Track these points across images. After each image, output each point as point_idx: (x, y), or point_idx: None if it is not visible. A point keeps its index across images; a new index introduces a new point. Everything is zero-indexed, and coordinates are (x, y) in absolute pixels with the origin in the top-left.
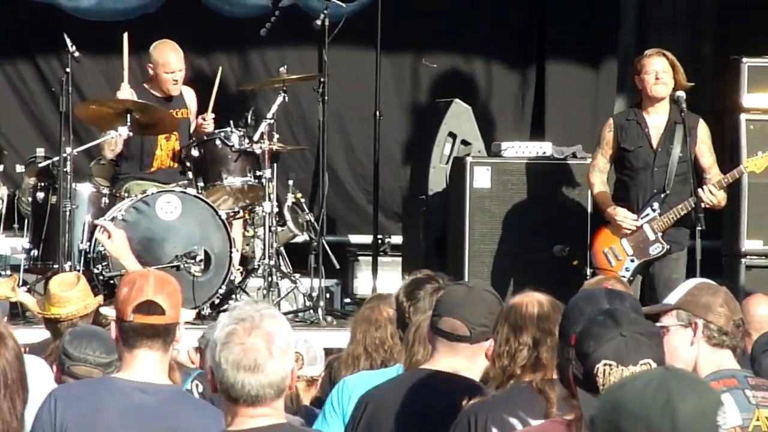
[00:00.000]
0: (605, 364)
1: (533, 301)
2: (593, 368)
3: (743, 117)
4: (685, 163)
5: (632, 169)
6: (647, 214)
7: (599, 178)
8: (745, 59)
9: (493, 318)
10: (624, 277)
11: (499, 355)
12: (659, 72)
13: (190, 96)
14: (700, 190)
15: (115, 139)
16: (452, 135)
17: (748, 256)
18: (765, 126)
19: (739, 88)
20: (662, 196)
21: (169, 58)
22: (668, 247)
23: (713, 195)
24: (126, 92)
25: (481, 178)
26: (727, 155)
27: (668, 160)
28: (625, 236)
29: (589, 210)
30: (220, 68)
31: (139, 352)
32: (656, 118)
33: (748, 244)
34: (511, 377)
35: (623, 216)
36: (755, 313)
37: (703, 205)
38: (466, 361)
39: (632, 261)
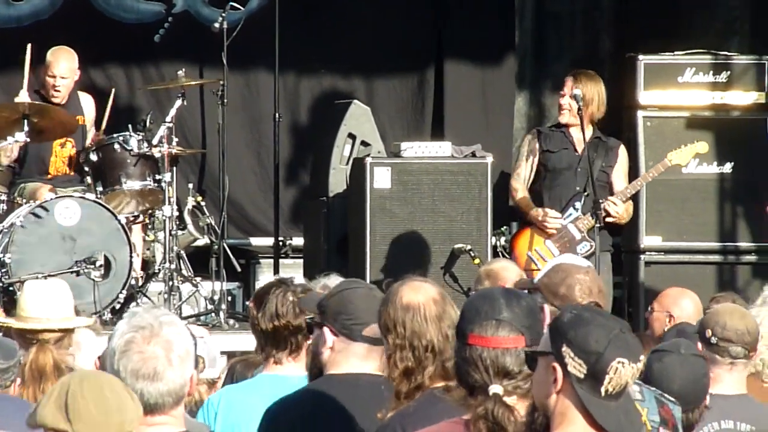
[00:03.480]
0: (619, 362)
1: (429, 300)
2: (607, 366)
3: (640, 114)
4: (604, 174)
5: (555, 170)
6: (570, 214)
7: (521, 184)
8: (641, 56)
9: None
10: None
11: (401, 359)
12: (565, 97)
13: (87, 103)
14: (606, 199)
15: (11, 146)
16: (352, 136)
17: (647, 252)
18: (662, 123)
19: (635, 86)
20: (584, 195)
21: (55, 61)
22: (594, 244)
23: (616, 206)
24: (23, 98)
25: (381, 178)
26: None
27: (590, 165)
28: (550, 237)
29: (489, 209)
30: (113, 90)
31: None
32: (578, 132)
33: (646, 241)
34: (420, 387)
35: (549, 216)
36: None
37: (607, 219)
38: (378, 363)
39: None
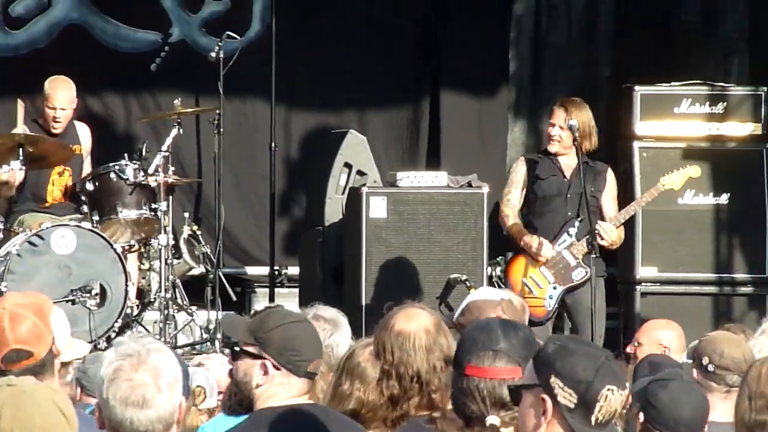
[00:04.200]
0: (609, 389)
1: (420, 329)
2: (597, 394)
3: (636, 144)
4: (594, 199)
5: (545, 197)
6: (564, 240)
7: (512, 212)
8: (637, 87)
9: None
10: (548, 305)
11: (387, 387)
12: (555, 127)
13: (84, 133)
14: (598, 224)
15: (8, 174)
16: (348, 165)
17: (642, 283)
18: (658, 153)
19: (632, 116)
20: (577, 222)
21: (54, 92)
22: (591, 270)
23: (609, 232)
24: (19, 130)
25: (377, 208)
26: (621, 182)
27: (580, 190)
28: (544, 264)
29: (485, 239)
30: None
31: None
32: (566, 158)
33: (642, 271)
34: (405, 416)
35: (540, 244)
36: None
37: (601, 241)
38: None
39: (555, 288)
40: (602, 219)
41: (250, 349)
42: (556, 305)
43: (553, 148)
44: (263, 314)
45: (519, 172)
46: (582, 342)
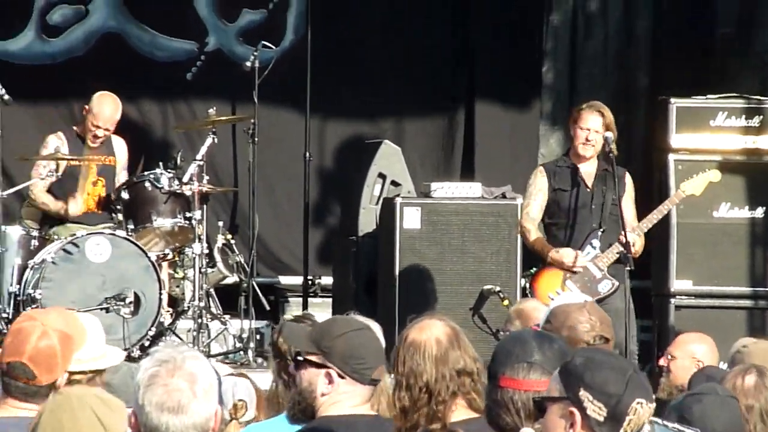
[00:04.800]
0: (638, 402)
1: (431, 339)
2: (627, 408)
3: (671, 157)
4: (616, 206)
5: (569, 209)
6: (588, 252)
7: (533, 225)
8: (673, 100)
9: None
10: None
11: (399, 398)
12: (591, 132)
13: (120, 147)
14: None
15: (44, 182)
16: (382, 176)
17: (677, 296)
18: (693, 166)
19: (667, 129)
20: (599, 233)
21: (101, 111)
22: (617, 283)
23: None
24: (53, 140)
25: (411, 218)
26: (656, 195)
27: (603, 200)
28: (570, 278)
29: (519, 250)
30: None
31: (9, 400)
32: (587, 165)
33: (677, 284)
34: (415, 427)
35: (569, 256)
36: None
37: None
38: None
39: None
40: (623, 224)
41: (314, 358)
42: None
43: (588, 152)
44: (325, 324)
45: (538, 183)
46: (608, 354)
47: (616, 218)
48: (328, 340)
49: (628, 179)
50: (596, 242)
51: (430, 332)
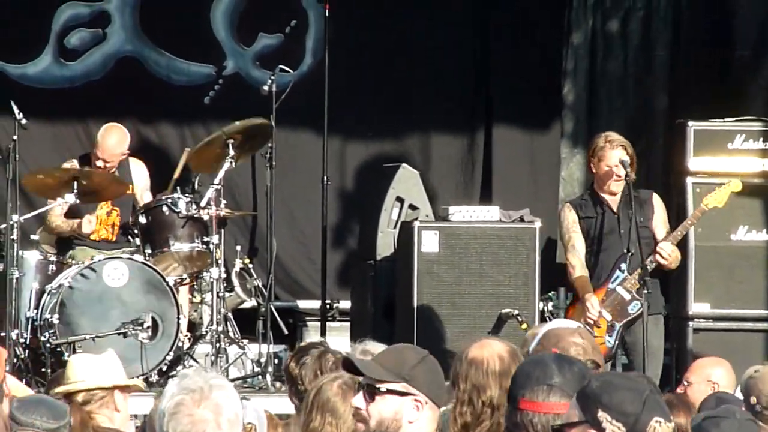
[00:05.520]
0: (657, 421)
1: (494, 355)
2: (645, 426)
3: (689, 180)
4: (645, 228)
5: (598, 236)
6: (617, 276)
7: (579, 262)
8: (691, 123)
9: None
10: (609, 342)
11: (461, 414)
12: (619, 167)
13: (138, 171)
14: (659, 246)
15: (62, 207)
16: (400, 199)
17: (695, 320)
18: (711, 189)
19: (685, 152)
20: (628, 255)
21: (104, 143)
22: (647, 303)
23: (667, 253)
24: (68, 166)
25: (429, 242)
26: (674, 217)
27: (630, 225)
28: (601, 303)
29: (537, 274)
30: (186, 150)
31: None
32: (610, 195)
33: (695, 307)
34: None
35: (592, 311)
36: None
37: (662, 260)
38: None
39: (612, 326)
40: (654, 244)
41: (396, 387)
42: (617, 341)
43: (618, 187)
44: (394, 352)
45: (570, 217)
46: (624, 376)
47: (648, 241)
48: (409, 368)
49: (657, 200)
50: (624, 266)
51: (491, 349)
